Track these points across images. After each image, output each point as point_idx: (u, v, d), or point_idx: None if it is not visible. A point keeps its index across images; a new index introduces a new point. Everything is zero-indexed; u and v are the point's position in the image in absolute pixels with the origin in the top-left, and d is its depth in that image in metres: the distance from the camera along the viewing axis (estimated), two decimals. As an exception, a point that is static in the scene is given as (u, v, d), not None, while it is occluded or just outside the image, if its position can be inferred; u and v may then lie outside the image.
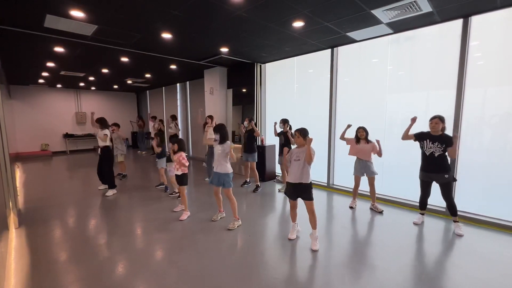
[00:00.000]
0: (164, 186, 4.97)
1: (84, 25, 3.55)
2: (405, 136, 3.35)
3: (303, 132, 2.74)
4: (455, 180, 3.19)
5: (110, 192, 4.65)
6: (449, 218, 3.56)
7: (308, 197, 2.74)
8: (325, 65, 4.98)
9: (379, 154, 3.72)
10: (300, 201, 2.86)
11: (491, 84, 3.45)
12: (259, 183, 4.98)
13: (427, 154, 3.15)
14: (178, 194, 4.28)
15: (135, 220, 3.56)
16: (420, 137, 3.22)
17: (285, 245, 2.83)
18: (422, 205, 3.44)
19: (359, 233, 3.23)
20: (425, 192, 3.35)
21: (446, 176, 3.05)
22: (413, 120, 3.29)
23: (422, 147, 3.22)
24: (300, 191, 2.76)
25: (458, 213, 3.16)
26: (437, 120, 3.07)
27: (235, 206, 3.28)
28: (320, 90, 5.22)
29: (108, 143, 4.66)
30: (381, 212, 3.79)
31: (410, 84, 4.23)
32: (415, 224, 3.38)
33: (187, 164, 3.62)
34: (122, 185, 5.39)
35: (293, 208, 2.95)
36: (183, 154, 3.64)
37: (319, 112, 5.22)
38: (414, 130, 3.29)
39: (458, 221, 3.16)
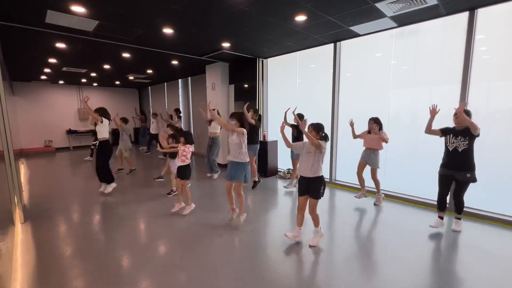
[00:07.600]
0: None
1: (85, 20, 3.54)
2: (428, 130, 3.07)
3: (316, 127, 2.67)
4: (475, 181, 2.88)
5: (110, 188, 4.43)
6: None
7: (314, 195, 2.67)
8: (328, 60, 4.92)
9: (383, 139, 3.65)
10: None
11: (496, 78, 3.40)
12: (257, 178, 4.84)
13: (450, 149, 2.94)
14: (176, 192, 4.19)
15: (139, 215, 3.59)
16: (445, 132, 3.01)
17: (286, 240, 2.82)
18: (441, 205, 3.10)
19: (360, 229, 3.23)
20: (444, 188, 3.07)
21: (468, 175, 2.86)
22: (432, 112, 2.98)
23: (445, 143, 3.02)
24: (309, 185, 2.67)
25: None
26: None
27: (242, 202, 3.26)
28: (322, 85, 5.17)
29: (107, 136, 4.34)
30: (378, 205, 3.84)
31: (414, 78, 4.18)
32: (431, 227, 3.07)
33: (188, 157, 3.59)
34: (128, 180, 5.44)
35: (301, 209, 2.77)
36: (189, 148, 3.61)
37: (321, 107, 5.18)
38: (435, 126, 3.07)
39: (460, 219, 3.06)
